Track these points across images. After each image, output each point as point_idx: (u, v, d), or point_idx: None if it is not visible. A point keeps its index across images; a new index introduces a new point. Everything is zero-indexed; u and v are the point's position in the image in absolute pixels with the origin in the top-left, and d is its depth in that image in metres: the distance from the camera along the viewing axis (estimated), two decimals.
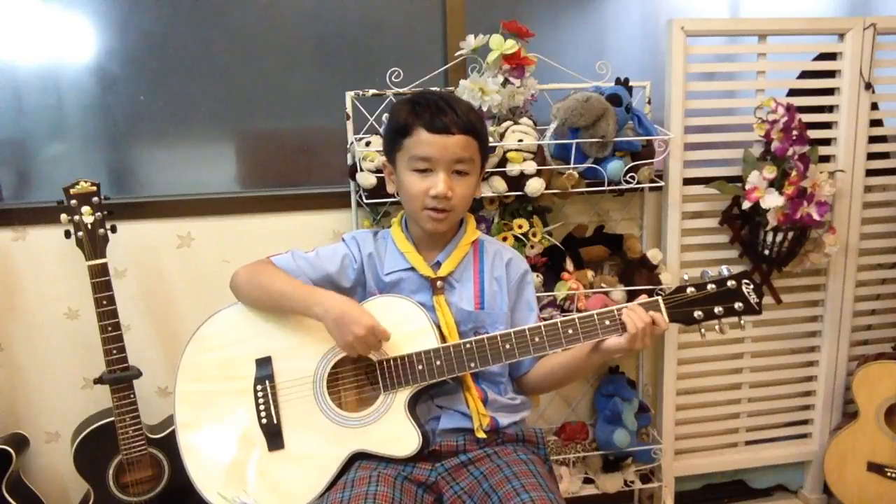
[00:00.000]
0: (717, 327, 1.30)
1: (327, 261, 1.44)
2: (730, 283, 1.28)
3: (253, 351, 1.39)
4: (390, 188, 1.46)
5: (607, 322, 1.29)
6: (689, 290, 1.28)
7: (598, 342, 1.31)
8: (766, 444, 2.36)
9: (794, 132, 1.93)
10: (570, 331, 1.29)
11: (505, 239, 1.91)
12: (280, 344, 1.39)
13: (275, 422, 1.36)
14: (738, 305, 1.27)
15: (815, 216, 1.95)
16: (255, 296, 1.40)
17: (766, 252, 2.05)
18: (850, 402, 2.28)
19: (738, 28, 2.15)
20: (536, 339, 1.30)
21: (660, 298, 1.28)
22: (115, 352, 1.75)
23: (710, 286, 1.28)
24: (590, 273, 2.00)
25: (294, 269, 1.42)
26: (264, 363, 1.38)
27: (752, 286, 1.28)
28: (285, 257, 1.44)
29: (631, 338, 1.26)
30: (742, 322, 1.29)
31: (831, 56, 2.12)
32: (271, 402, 1.36)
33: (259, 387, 1.37)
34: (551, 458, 1.89)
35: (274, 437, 1.36)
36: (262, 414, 1.36)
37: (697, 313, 1.28)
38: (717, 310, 1.28)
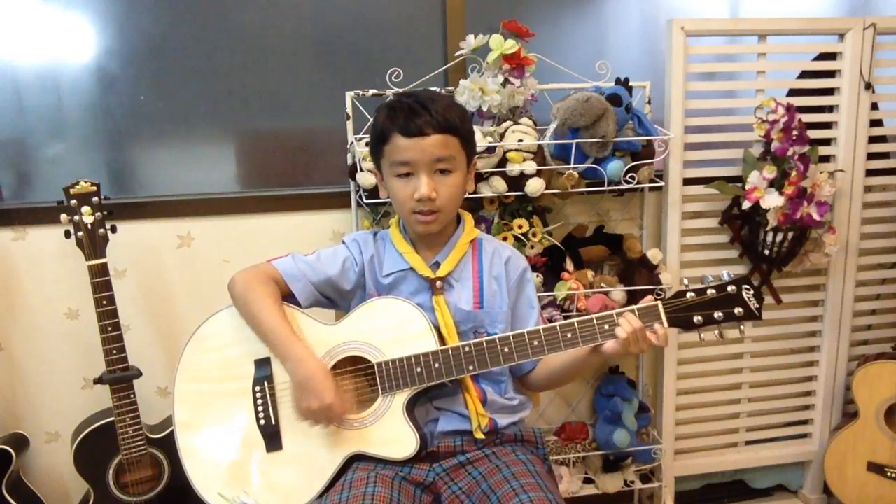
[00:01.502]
0: (716, 332, 1.29)
1: (328, 264, 1.43)
2: (730, 289, 1.27)
3: (252, 351, 1.39)
4: (382, 194, 1.46)
5: (606, 326, 1.28)
6: (689, 294, 1.27)
7: (595, 346, 1.31)
8: (766, 444, 2.37)
9: (794, 132, 1.93)
10: (569, 335, 1.29)
11: (505, 239, 1.91)
12: None
13: (273, 423, 1.36)
14: (737, 311, 1.27)
15: (815, 216, 1.95)
16: (242, 314, 1.39)
17: (766, 252, 2.05)
18: (850, 402, 2.28)
19: (738, 28, 2.15)
20: (535, 343, 1.29)
21: (659, 303, 1.28)
22: (115, 352, 1.76)
23: (710, 291, 1.27)
24: (590, 273, 2.00)
25: (294, 272, 1.41)
26: (263, 364, 1.38)
27: (752, 292, 1.27)
28: (286, 261, 1.43)
29: (624, 342, 1.26)
30: (742, 328, 1.29)
31: (831, 56, 2.12)
32: (269, 403, 1.36)
33: (258, 387, 1.37)
34: (551, 458, 1.89)
35: (272, 438, 1.36)
36: (261, 415, 1.36)
37: (697, 318, 1.27)
38: (717, 315, 1.27)
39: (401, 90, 1.91)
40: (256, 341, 1.39)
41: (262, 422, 1.36)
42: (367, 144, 1.84)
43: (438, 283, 1.40)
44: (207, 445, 1.37)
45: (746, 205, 1.98)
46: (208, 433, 1.37)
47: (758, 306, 1.27)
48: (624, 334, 1.25)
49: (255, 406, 1.36)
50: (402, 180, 1.35)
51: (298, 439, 1.35)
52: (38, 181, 2.02)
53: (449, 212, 1.39)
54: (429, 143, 1.32)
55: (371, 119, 1.91)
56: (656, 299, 1.29)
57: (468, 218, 1.47)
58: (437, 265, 1.42)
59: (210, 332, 1.41)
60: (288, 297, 1.41)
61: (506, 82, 1.86)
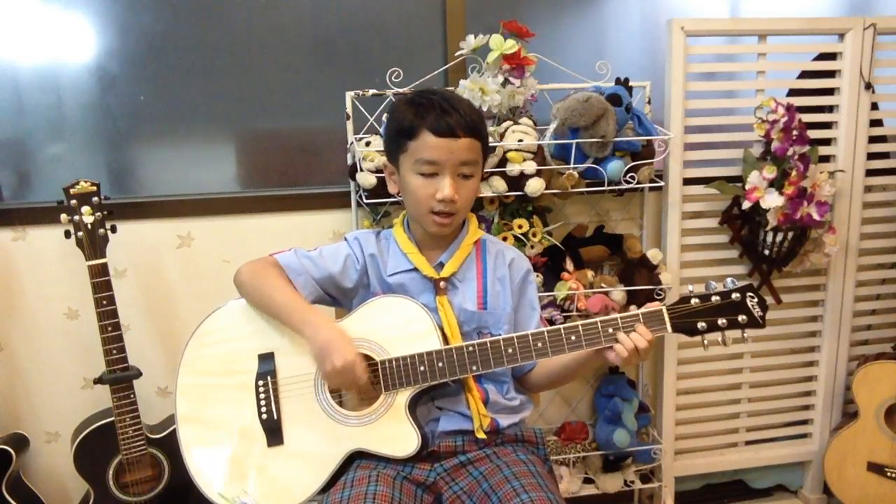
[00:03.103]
0: (719, 339, 1.30)
1: (330, 260, 1.43)
2: (734, 296, 1.27)
3: (256, 346, 1.39)
4: (392, 189, 1.45)
5: (610, 330, 1.28)
6: (694, 301, 1.28)
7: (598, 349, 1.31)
8: (766, 444, 2.37)
9: (794, 132, 1.93)
10: (573, 337, 1.29)
11: (505, 239, 1.91)
12: (283, 340, 1.39)
13: (275, 417, 1.36)
14: (741, 318, 1.27)
15: (815, 216, 1.95)
16: (253, 299, 1.40)
17: (766, 252, 2.05)
18: (850, 402, 2.28)
19: (738, 28, 2.15)
20: (539, 345, 1.29)
21: (663, 308, 1.28)
22: (115, 352, 1.76)
23: (715, 298, 1.27)
24: (590, 273, 2.00)
25: (297, 266, 1.41)
26: (267, 358, 1.38)
27: (756, 299, 1.28)
28: (288, 255, 1.44)
29: (623, 360, 1.27)
30: (745, 335, 1.29)
31: (831, 56, 2.12)
32: (272, 397, 1.36)
33: (260, 382, 1.37)
34: (551, 458, 1.89)
35: (273, 432, 1.36)
36: (263, 409, 1.36)
37: (701, 325, 1.27)
38: (721, 322, 1.27)
39: (401, 90, 1.91)
40: (260, 336, 1.39)
41: (265, 416, 1.36)
42: (366, 144, 1.86)
43: (442, 284, 1.40)
44: (209, 439, 1.38)
45: (746, 205, 1.98)
46: (210, 426, 1.38)
47: (762, 314, 1.28)
48: (626, 353, 1.26)
49: (258, 400, 1.36)
50: (423, 179, 1.34)
51: (300, 434, 1.36)
52: (38, 181, 2.02)
53: (464, 214, 1.41)
54: (458, 146, 1.32)
55: (370, 119, 1.93)
56: (656, 298, 1.29)
57: (472, 219, 1.48)
58: (441, 266, 1.42)
59: (213, 326, 1.41)
60: None
61: (506, 82, 1.86)
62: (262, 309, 1.39)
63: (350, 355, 1.27)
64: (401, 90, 1.92)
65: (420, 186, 1.34)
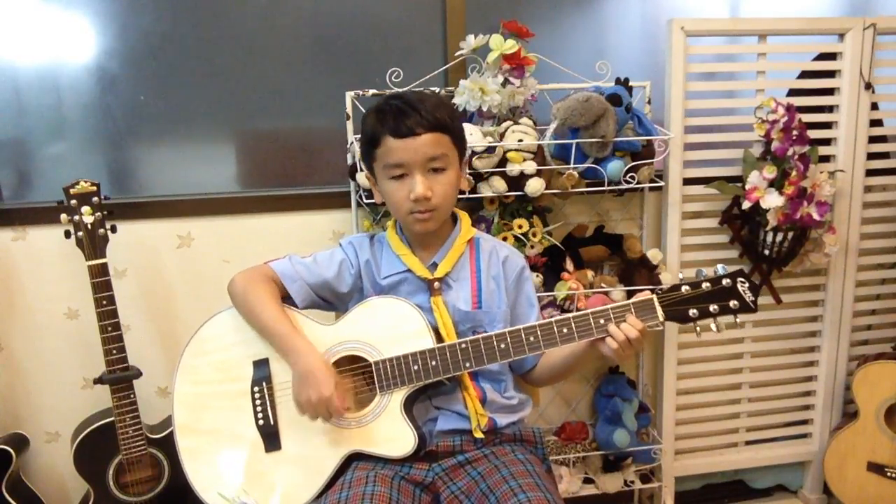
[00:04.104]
0: (713, 326, 1.29)
1: (325, 266, 1.44)
2: (725, 282, 1.27)
3: (250, 353, 1.39)
4: (377, 198, 1.45)
5: (602, 321, 1.28)
6: (684, 288, 1.27)
7: (593, 341, 1.31)
8: (766, 444, 2.37)
9: (794, 132, 1.93)
10: (565, 330, 1.29)
11: (505, 239, 1.91)
12: None
13: (272, 423, 1.36)
14: (733, 303, 1.27)
15: (815, 216, 1.95)
16: (243, 313, 1.40)
17: (766, 252, 2.05)
18: (850, 402, 2.28)
19: (738, 28, 2.15)
20: (531, 339, 1.29)
21: (654, 297, 1.28)
22: (115, 352, 1.76)
23: (705, 284, 1.27)
24: (590, 273, 2.00)
25: (291, 273, 1.42)
26: (261, 365, 1.38)
27: (747, 284, 1.27)
28: (283, 262, 1.44)
29: (616, 352, 1.27)
30: (738, 320, 1.29)
31: (831, 56, 2.11)
32: (268, 403, 1.37)
33: (256, 388, 1.37)
34: (551, 458, 1.89)
35: (271, 438, 1.36)
36: (259, 415, 1.36)
37: (692, 311, 1.27)
38: (713, 308, 1.27)
39: (401, 90, 1.91)
40: (255, 343, 1.39)
41: (261, 422, 1.36)
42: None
43: (436, 284, 1.40)
44: (207, 447, 1.38)
45: (746, 205, 1.98)
46: (208, 435, 1.38)
47: (753, 298, 1.27)
48: (616, 344, 1.25)
49: (254, 407, 1.37)
50: (396, 182, 1.34)
51: (297, 439, 1.36)
52: (38, 181, 2.02)
53: (445, 209, 1.39)
54: (421, 143, 1.31)
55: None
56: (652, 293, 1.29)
57: (465, 218, 1.47)
58: (434, 266, 1.42)
59: (209, 334, 1.42)
60: (285, 298, 1.42)
61: (506, 82, 1.86)
62: (250, 324, 1.40)
63: (327, 391, 1.26)
64: (401, 90, 1.91)
65: (395, 190, 1.35)
